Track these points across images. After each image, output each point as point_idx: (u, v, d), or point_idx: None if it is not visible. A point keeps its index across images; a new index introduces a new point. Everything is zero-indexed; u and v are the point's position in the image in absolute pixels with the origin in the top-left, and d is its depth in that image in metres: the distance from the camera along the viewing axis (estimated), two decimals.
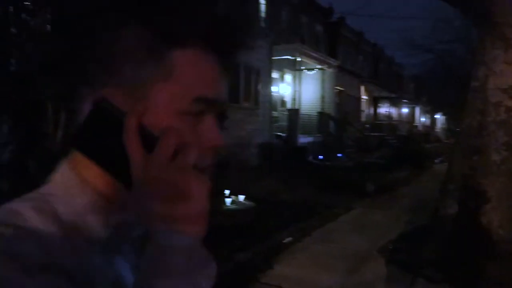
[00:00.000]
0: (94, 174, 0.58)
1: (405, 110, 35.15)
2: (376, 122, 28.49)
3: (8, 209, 0.54)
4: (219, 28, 0.59)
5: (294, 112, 15.58)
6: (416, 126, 37.71)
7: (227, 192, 5.93)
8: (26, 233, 0.52)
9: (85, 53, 0.55)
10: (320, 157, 14.79)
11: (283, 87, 17.28)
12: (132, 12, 0.53)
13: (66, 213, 0.56)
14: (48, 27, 3.80)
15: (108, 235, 0.58)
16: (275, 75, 15.93)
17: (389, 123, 29.33)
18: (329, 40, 23.38)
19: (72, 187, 0.58)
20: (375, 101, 30.06)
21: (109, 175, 0.57)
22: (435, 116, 46.12)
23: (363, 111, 27.52)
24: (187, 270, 0.50)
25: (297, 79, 16.94)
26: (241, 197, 6.08)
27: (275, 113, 15.93)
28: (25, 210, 0.54)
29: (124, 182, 0.55)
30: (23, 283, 0.47)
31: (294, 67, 16.62)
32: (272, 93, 15.51)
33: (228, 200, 5.84)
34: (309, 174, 11.27)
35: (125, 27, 0.54)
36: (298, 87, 16.87)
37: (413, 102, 36.35)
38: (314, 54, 17.58)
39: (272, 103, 15.63)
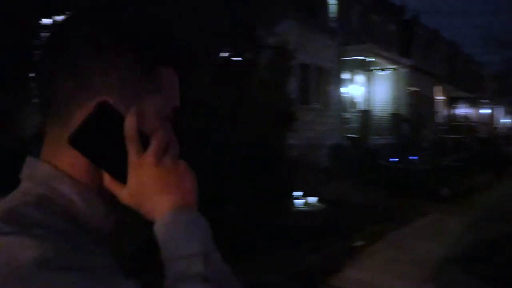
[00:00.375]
0: (83, 174, 0.64)
1: (484, 111, 33.26)
2: (453, 123, 27.20)
3: (7, 209, 0.58)
4: (182, 52, 0.74)
5: (365, 113, 15.28)
6: (496, 128, 35.53)
7: (298, 193, 5.96)
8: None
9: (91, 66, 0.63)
10: (393, 159, 14.38)
11: (354, 88, 17.00)
12: (131, 41, 0.65)
13: (61, 209, 0.61)
14: None
15: (97, 227, 0.64)
16: (346, 76, 15.71)
17: (467, 125, 27.89)
18: (402, 39, 22.66)
19: (65, 188, 0.63)
20: (451, 102, 28.71)
21: (94, 172, 0.64)
22: None
23: (439, 112, 26.38)
24: None
25: (368, 80, 16.59)
26: (313, 199, 6.08)
27: (346, 115, 15.70)
28: (24, 208, 0.58)
29: (119, 178, 0.63)
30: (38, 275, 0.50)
31: (366, 67, 16.29)
32: (342, 94, 15.30)
33: (299, 202, 5.86)
34: (381, 176, 11.01)
35: (126, 50, 0.65)
36: (369, 88, 16.52)
37: (493, 102, 34.30)
38: (386, 54, 17.12)
39: (343, 104, 15.42)
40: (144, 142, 0.63)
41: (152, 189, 0.62)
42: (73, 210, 0.62)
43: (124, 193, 0.63)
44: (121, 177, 0.63)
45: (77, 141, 0.61)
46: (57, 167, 0.64)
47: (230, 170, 4.19)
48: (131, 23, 0.68)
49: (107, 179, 0.64)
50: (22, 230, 0.54)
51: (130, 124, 0.62)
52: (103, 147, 0.63)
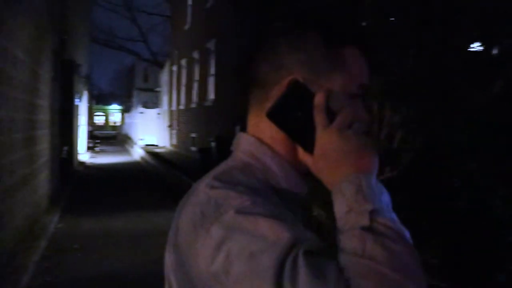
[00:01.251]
0: (281, 147, 0.76)
1: None
2: None
3: (221, 171, 0.75)
4: (366, 33, 0.95)
5: None
6: None
7: None
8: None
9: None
10: None
11: None
12: (317, 24, 0.76)
13: (260, 174, 0.75)
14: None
15: (291, 193, 0.76)
16: None
17: None
18: None
19: (267, 159, 0.76)
20: None
21: (291, 146, 0.75)
22: None
23: None
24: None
25: None
26: None
27: None
28: (232, 171, 0.74)
29: (308, 149, 0.72)
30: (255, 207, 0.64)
31: None
32: None
33: None
34: None
35: (312, 32, 0.75)
36: None
37: None
38: None
39: None
40: (331, 117, 0.70)
41: (332, 158, 0.68)
42: (270, 176, 0.75)
43: (311, 163, 0.72)
44: (310, 148, 0.71)
45: (274, 115, 0.71)
46: (260, 139, 0.77)
47: None
48: (318, 8, 0.80)
49: (301, 152, 0.75)
50: (228, 186, 0.69)
51: (318, 100, 0.71)
52: (295, 120, 0.71)
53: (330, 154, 0.69)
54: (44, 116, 7.11)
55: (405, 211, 3.27)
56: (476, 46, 3.53)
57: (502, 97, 2.97)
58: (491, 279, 3.05)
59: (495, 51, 3.44)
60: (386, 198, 0.66)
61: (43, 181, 7.15)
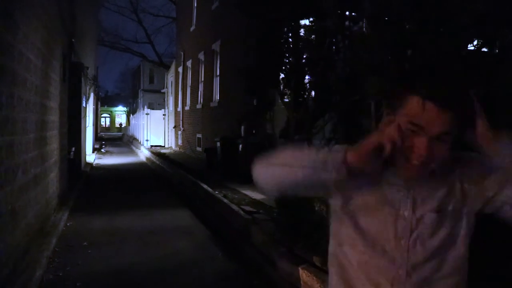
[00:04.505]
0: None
1: None
2: None
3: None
4: (431, 86, 1.20)
5: None
6: None
7: None
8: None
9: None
10: None
11: None
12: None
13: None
14: (365, 32, 4.12)
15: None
16: None
17: None
18: None
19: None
20: None
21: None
22: None
23: None
24: None
25: None
26: None
27: None
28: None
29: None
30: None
31: None
32: None
33: None
34: None
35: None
36: None
37: None
38: None
39: None
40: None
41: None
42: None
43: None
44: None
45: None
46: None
47: None
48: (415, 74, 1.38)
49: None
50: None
51: (396, 124, 1.23)
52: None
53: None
54: (53, 117, 7.30)
55: None
56: (471, 47, 3.66)
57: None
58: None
59: (490, 52, 3.57)
60: None
61: (53, 181, 7.33)
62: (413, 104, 1.19)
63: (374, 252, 1.31)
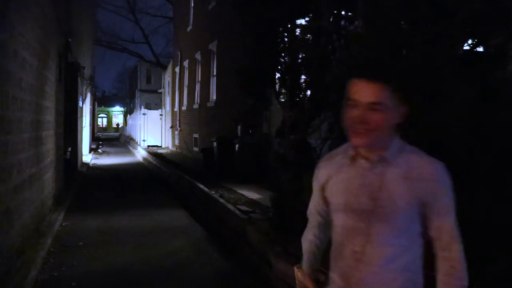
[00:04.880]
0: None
1: None
2: None
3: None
4: (362, 68, 1.56)
5: None
6: None
7: None
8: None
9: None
10: None
11: None
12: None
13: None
14: (361, 31, 4.11)
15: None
16: None
17: None
18: None
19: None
20: None
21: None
22: None
23: None
24: None
25: None
26: None
27: None
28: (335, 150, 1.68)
29: None
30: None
31: None
32: None
33: None
34: None
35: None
36: None
37: None
38: None
39: None
40: None
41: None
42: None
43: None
44: None
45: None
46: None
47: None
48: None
49: None
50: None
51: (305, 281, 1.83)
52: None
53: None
54: (49, 117, 7.28)
55: None
56: (465, 46, 3.67)
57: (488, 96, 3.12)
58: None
59: (483, 51, 3.58)
60: None
61: (48, 181, 7.31)
62: (351, 85, 1.47)
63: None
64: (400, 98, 1.46)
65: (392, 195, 1.46)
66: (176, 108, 22.49)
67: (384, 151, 1.50)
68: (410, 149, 1.53)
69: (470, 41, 3.55)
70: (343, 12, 4.63)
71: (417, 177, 1.47)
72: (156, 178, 13.73)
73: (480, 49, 3.57)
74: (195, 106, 18.63)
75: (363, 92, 1.42)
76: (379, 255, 1.48)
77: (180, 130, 21.27)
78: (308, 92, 5.44)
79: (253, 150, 9.52)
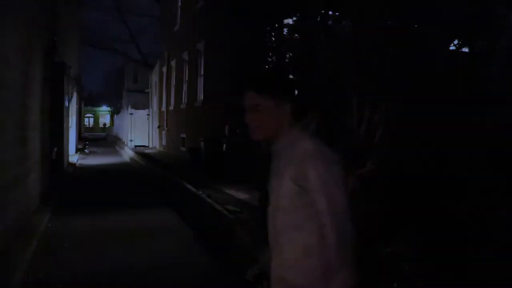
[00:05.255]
0: None
1: None
2: None
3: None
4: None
5: None
6: None
7: None
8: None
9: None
10: None
11: None
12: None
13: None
14: (348, 31, 4.10)
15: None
16: None
17: None
18: None
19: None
20: None
21: None
22: None
23: None
24: None
25: None
26: None
27: None
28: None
29: None
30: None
31: None
32: None
33: None
34: None
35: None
36: None
37: None
38: None
39: None
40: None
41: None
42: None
43: None
44: None
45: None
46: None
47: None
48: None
49: None
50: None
51: None
52: None
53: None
54: (34, 117, 7.19)
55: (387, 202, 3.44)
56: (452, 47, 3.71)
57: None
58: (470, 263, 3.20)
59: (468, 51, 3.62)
60: None
61: (33, 182, 7.22)
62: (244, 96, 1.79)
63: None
64: (277, 102, 1.73)
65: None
66: (163, 108, 22.38)
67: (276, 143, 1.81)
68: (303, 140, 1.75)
69: (456, 42, 3.59)
70: (330, 12, 4.64)
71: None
72: (143, 178, 13.65)
73: (466, 49, 3.61)
74: (183, 106, 18.56)
75: (246, 97, 1.77)
76: None
77: (167, 130, 21.17)
78: (296, 92, 5.45)
79: (241, 150, 9.51)
